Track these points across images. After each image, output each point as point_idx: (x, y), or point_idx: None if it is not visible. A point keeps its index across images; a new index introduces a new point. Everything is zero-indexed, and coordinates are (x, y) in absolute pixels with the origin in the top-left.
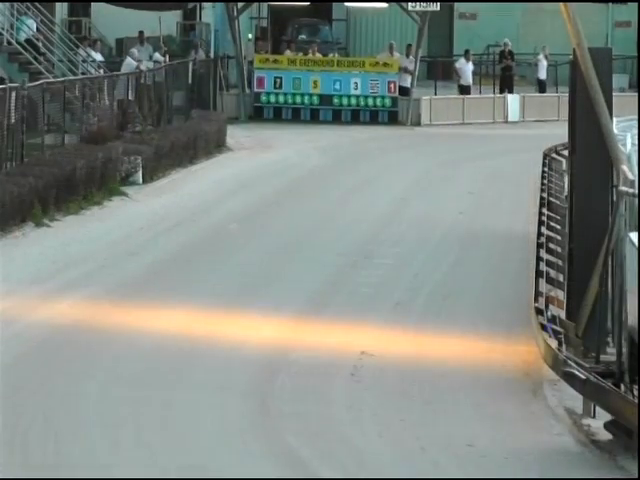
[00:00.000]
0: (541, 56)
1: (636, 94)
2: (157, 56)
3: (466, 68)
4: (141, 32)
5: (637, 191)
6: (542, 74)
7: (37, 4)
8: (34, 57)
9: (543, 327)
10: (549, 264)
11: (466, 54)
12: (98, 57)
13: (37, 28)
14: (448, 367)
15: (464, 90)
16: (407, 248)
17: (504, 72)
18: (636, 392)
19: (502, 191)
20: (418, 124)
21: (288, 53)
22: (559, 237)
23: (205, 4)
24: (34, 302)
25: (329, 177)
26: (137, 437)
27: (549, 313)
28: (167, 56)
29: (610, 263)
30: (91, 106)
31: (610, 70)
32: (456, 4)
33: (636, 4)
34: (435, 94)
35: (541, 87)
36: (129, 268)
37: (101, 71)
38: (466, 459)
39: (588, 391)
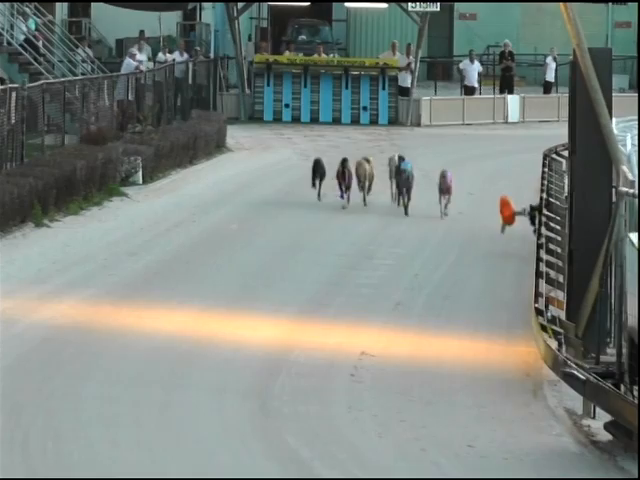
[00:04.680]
0: (549, 58)
1: (636, 94)
2: (160, 56)
3: (470, 69)
4: (142, 31)
5: (637, 191)
6: (550, 76)
7: (37, 4)
8: (34, 57)
9: (543, 327)
10: (549, 265)
11: (470, 55)
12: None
13: (37, 28)
14: (448, 368)
15: (468, 91)
16: (407, 248)
17: (504, 73)
18: (636, 393)
19: (502, 192)
20: (418, 124)
21: (288, 54)
22: (559, 238)
23: (205, 4)
24: (34, 302)
25: (329, 177)
26: (137, 437)
27: (549, 314)
28: (174, 54)
29: (610, 264)
30: (91, 106)
31: (610, 70)
32: (456, 4)
33: (636, 4)
34: (435, 94)
35: (546, 88)
36: (129, 268)
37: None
38: (466, 460)
39: (588, 392)
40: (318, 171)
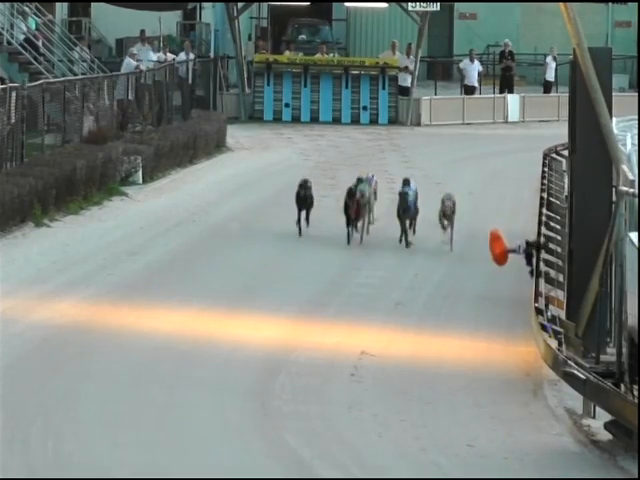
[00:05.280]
0: (549, 58)
1: (636, 94)
2: (160, 55)
3: (470, 68)
4: (142, 31)
5: (637, 191)
6: (550, 75)
7: (37, 4)
8: (34, 57)
9: (543, 327)
10: (549, 264)
11: (470, 54)
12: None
13: (37, 28)
14: (448, 367)
15: (469, 90)
16: (407, 248)
17: (504, 72)
18: (636, 392)
19: (502, 191)
20: (418, 124)
21: (288, 53)
22: (559, 237)
23: (205, 4)
24: (34, 302)
25: (329, 177)
26: (137, 437)
27: (549, 313)
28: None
29: (610, 263)
30: (91, 106)
31: (610, 70)
32: (456, 4)
33: (636, 4)
34: (435, 94)
35: (546, 88)
36: (129, 268)
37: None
38: (466, 459)
39: (588, 391)
40: (302, 200)
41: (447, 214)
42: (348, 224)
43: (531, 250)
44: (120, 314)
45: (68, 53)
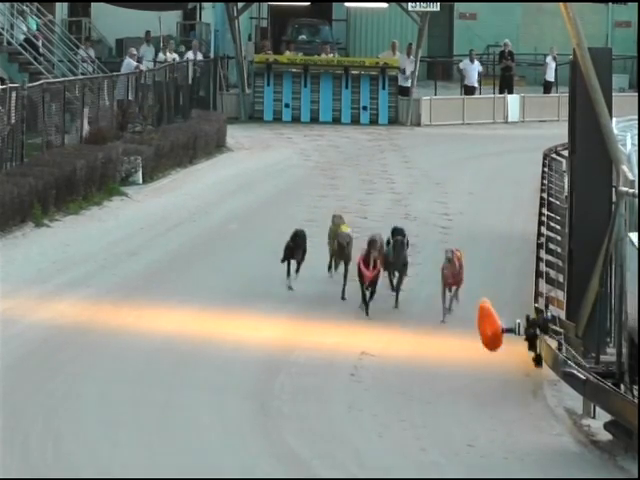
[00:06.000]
0: (549, 58)
1: (636, 94)
2: (160, 56)
3: (470, 68)
4: (148, 32)
5: (637, 191)
6: (550, 75)
7: (37, 4)
8: (34, 57)
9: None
10: (549, 264)
11: (470, 54)
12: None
13: (37, 28)
14: (448, 367)
15: (468, 91)
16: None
17: (504, 72)
18: (636, 392)
19: (502, 191)
20: (418, 124)
21: (288, 53)
22: (559, 237)
23: (205, 4)
24: (34, 302)
25: (329, 177)
26: (137, 437)
27: (549, 313)
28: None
29: (610, 263)
30: (91, 106)
31: (610, 70)
32: (456, 4)
33: (636, 4)
34: (435, 94)
35: (546, 88)
36: (129, 268)
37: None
38: (466, 459)
39: (588, 391)
40: (296, 248)
41: (450, 281)
42: (364, 295)
43: (534, 331)
44: (120, 314)
45: (69, 54)
